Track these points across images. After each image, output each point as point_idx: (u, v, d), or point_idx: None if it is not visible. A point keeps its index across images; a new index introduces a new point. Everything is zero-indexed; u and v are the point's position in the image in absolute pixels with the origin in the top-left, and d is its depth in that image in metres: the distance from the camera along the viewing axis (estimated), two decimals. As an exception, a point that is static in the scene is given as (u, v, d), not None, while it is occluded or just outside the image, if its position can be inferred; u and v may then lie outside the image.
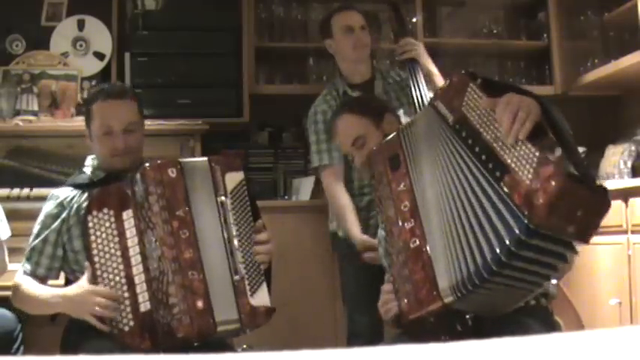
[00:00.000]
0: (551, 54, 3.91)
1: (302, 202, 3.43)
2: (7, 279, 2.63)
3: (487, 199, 1.52)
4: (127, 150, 2.01)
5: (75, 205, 2.02)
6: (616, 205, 2.89)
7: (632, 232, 2.83)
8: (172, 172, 1.84)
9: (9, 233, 2.60)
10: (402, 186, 1.76)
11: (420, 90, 2.79)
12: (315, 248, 3.11)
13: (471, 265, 1.52)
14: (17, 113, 3.34)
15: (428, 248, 1.64)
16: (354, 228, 2.65)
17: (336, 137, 2.28)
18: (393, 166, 1.80)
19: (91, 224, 1.89)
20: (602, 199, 1.46)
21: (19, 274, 2.02)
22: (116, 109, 2.02)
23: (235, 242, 1.88)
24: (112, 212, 1.89)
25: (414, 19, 3.87)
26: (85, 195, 2.02)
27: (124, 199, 1.89)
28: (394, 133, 1.90)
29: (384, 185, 1.81)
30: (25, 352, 2.53)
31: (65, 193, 2.07)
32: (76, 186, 2.07)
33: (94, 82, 3.53)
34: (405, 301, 1.67)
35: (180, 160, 1.92)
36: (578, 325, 2.27)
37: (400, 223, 1.72)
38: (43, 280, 2.00)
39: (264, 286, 1.91)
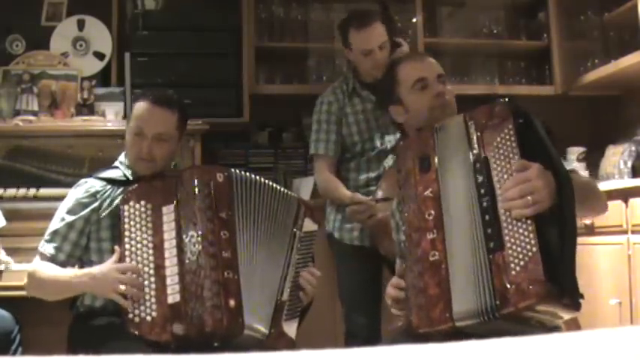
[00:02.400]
0: (551, 54, 3.91)
1: (302, 202, 3.43)
2: (5, 280, 2.63)
3: (478, 260, 1.54)
4: (150, 157, 2.05)
5: (108, 199, 2.05)
6: (616, 205, 2.89)
7: (632, 232, 2.82)
8: (220, 177, 1.93)
9: (3, 222, 2.61)
10: (428, 191, 1.66)
11: None
12: (316, 248, 3.10)
13: (483, 300, 1.51)
14: (17, 113, 3.34)
15: (448, 265, 1.59)
16: (341, 190, 2.71)
17: (405, 82, 1.96)
18: (423, 168, 1.70)
19: (126, 213, 1.93)
20: (572, 308, 1.51)
21: (35, 261, 2.03)
22: (153, 115, 2.07)
23: (292, 270, 1.98)
24: (149, 205, 1.93)
25: (414, 19, 3.87)
26: (120, 189, 2.06)
27: (165, 194, 1.94)
28: (427, 129, 1.78)
29: (410, 185, 1.71)
30: (24, 354, 2.53)
31: (98, 185, 2.09)
32: (111, 181, 2.10)
33: (94, 82, 3.53)
34: (416, 314, 1.62)
35: (240, 173, 1.98)
36: (576, 326, 2.27)
37: (422, 231, 1.64)
38: (61, 266, 2.00)
39: (297, 321, 1.99)
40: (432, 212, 1.64)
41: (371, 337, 2.66)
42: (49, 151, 3.16)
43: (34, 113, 3.34)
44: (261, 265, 1.93)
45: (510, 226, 1.51)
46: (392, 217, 1.98)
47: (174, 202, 1.92)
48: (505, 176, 1.55)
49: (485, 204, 1.55)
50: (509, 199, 1.51)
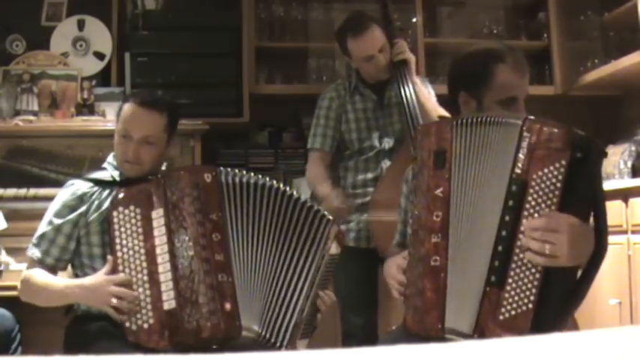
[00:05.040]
0: (551, 54, 3.91)
1: (302, 202, 3.43)
2: (5, 279, 2.64)
3: (476, 285, 1.50)
4: (136, 160, 2.02)
5: (96, 202, 2.01)
6: (616, 205, 2.89)
7: (632, 232, 2.82)
8: (208, 178, 1.89)
9: (4, 225, 2.61)
10: (439, 190, 1.58)
11: (409, 89, 2.73)
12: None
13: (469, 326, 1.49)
14: (17, 113, 3.35)
15: (447, 275, 1.54)
16: (323, 186, 2.68)
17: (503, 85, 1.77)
18: (437, 163, 1.60)
19: (115, 220, 1.89)
20: None
21: (26, 268, 2.01)
22: (140, 118, 2.02)
23: (314, 290, 1.93)
24: (138, 210, 1.90)
25: (414, 19, 3.87)
26: (107, 192, 2.02)
27: (153, 198, 1.90)
28: (448, 121, 1.66)
29: (423, 177, 1.62)
30: (24, 353, 2.53)
31: (85, 186, 2.05)
32: (98, 182, 2.07)
33: (94, 82, 3.53)
34: (411, 315, 1.61)
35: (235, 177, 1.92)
36: (574, 326, 2.27)
37: (427, 231, 1.58)
38: (50, 269, 1.99)
39: (307, 339, 1.97)
40: (440, 214, 1.57)
41: (367, 338, 2.66)
42: (49, 151, 3.17)
43: (34, 113, 3.35)
44: (265, 266, 1.89)
45: (518, 270, 1.44)
46: (402, 203, 1.93)
47: (163, 206, 1.88)
48: (536, 215, 1.45)
49: (503, 233, 1.47)
50: (529, 240, 1.44)
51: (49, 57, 3.54)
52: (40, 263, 1.98)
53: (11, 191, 3.03)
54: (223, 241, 1.85)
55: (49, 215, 2.03)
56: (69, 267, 2.06)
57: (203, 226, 1.84)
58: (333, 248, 2.00)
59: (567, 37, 3.89)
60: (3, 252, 2.74)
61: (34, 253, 1.99)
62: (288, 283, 1.90)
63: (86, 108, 3.41)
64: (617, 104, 3.93)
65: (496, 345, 0.80)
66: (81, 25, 3.63)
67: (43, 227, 2.02)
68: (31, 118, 3.27)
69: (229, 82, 3.61)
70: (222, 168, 1.94)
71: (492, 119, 1.58)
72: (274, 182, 1.96)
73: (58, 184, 3.01)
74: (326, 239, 1.96)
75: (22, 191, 3.03)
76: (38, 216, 2.06)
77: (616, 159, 3.41)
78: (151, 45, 3.57)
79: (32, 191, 3.03)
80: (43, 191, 3.01)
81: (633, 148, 3.38)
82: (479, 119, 1.60)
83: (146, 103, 2.03)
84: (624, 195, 2.87)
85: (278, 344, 1.87)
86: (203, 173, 1.90)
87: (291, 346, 1.90)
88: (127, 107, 2.04)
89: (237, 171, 1.95)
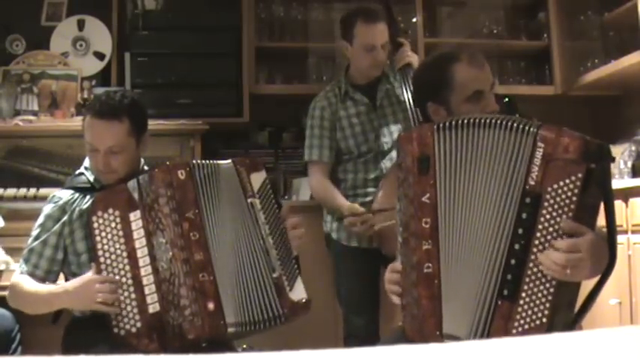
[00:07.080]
0: (551, 54, 3.91)
1: (302, 202, 3.42)
2: (5, 279, 2.64)
3: (482, 297, 1.47)
4: (108, 170, 1.99)
5: (77, 209, 2.01)
6: (616, 205, 2.89)
7: (632, 232, 2.82)
8: (182, 174, 1.85)
9: (2, 224, 2.60)
10: (426, 197, 1.55)
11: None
12: (315, 248, 3.10)
13: (476, 336, 1.46)
14: (17, 113, 3.35)
15: (441, 282, 1.53)
16: (339, 200, 2.69)
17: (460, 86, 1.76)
18: (421, 169, 1.57)
19: (95, 225, 1.88)
20: None
21: (15, 274, 2.01)
22: (101, 130, 1.97)
23: (269, 240, 1.89)
24: (117, 213, 1.88)
25: (414, 19, 3.87)
26: (87, 198, 2.01)
27: (130, 200, 1.88)
28: (429, 126, 1.61)
29: (409, 185, 1.59)
30: (24, 353, 2.53)
31: (66, 195, 2.05)
32: (77, 189, 2.06)
33: (94, 82, 3.53)
34: (409, 322, 1.60)
35: (198, 162, 1.90)
36: (578, 326, 2.27)
37: (418, 238, 1.57)
38: (41, 282, 1.98)
39: (299, 279, 1.93)
40: (429, 220, 1.55)
41: (369, 338, 2.66)
42: (49, 151, 3.17)
43: (34, 113, 3.35)
44: (237, 252, 1.87)
45: (532, 284, 1.42)
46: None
47: (140, 207, 1.86)
48: (551, 229, 1.42)
49: (517, 246, 1.44)
50: (551, 259, 1.40)
51: (49, 57, 3.54)
52: (30, 276, 1.98)
53: (11, 191, 3.03)
54: (202, 239, 1.82)
55: (35, 230, 2.03)
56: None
57: (180, 226, 1.82)
58: (257, 179, 1.93)
59: (567, 37, 3.89)
60: (2, 252, 2.74)
61: (25, 267, 1.99)
62: (247, 255, 1.88)
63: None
64: (617, 104, 3.93)
65: (497, 345, 0.80)
66: (81, 25, 3.63)
67: (30, 242, 2.02)
68: (31, 118, 3.27)
69: (229, 82, 3.61)
70: (195, 162, 1.90)
71: (479, 120, 1.53)
72: (232, 164, 1.93)
73: (58, 184, 3.02)
74: (242, 185, 1.91)
75: (22, 191, 3.04)
76: (38, 216, 2.06)
77: (616, 159, 3.41)
78: (151, 45, 3.57)
79: (32, 191, 3.03)
80: (43, 191, 3.01)
81: (633, 148, 3.38)
82: (463, 121, 1.55)
83: (102, 113, 1.97)
84: (624, 195, 2.87)
85: (276, 319, 1.86)
86: (177, 170, 1.86)
87: (288, 304, 1.87)
88: (86, 121, 2.01)
89: (209, 162, 1.91)
